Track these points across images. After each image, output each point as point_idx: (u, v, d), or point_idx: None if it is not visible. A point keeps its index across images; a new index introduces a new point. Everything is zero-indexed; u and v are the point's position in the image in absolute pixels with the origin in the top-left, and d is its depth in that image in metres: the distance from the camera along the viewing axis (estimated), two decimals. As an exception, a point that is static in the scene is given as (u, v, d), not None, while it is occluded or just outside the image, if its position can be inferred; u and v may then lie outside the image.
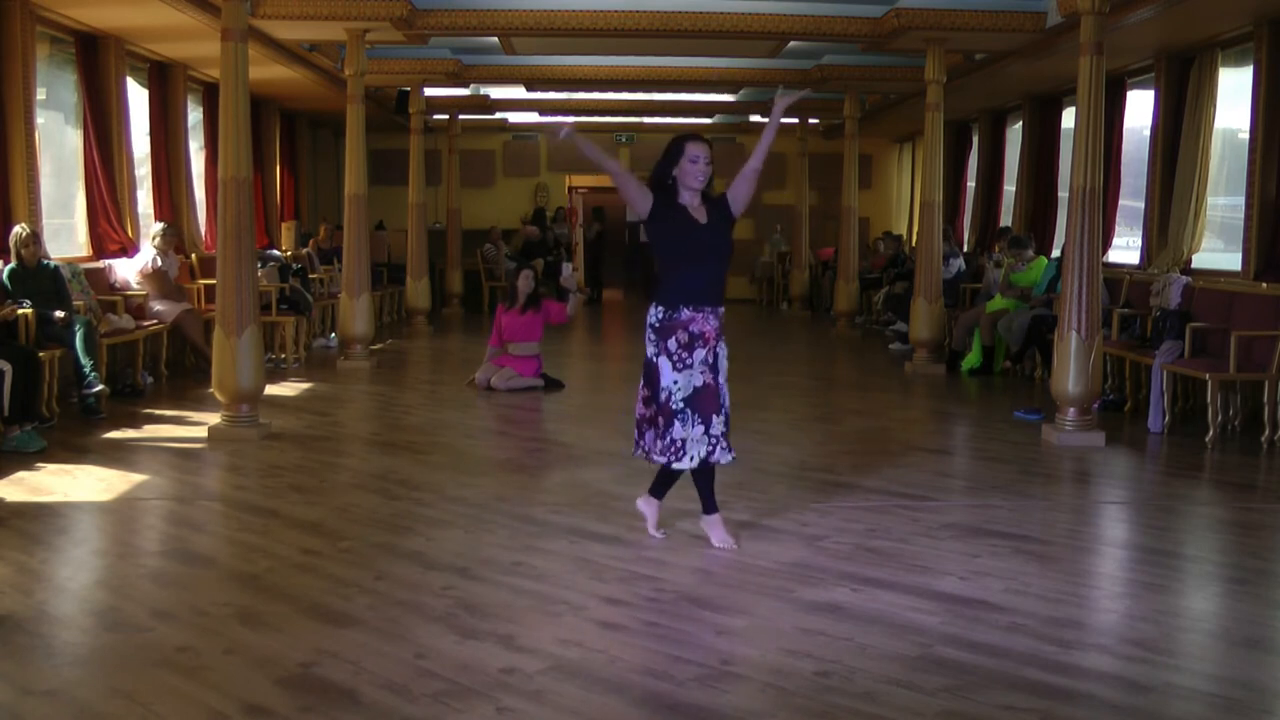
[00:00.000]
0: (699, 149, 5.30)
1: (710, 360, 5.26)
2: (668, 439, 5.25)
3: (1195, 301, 9.39)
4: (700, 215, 5.34)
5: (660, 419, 5.27)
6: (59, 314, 8.52)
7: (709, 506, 5.44)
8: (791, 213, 20.22)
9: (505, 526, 5.78)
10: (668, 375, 5.23)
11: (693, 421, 5.22)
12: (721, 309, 5.34)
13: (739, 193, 5.47)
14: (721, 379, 5.31)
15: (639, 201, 5.34)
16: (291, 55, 12.69)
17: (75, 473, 6.90)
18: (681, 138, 5.37)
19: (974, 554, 5.35)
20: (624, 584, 4.87)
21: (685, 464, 5.26)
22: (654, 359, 5.29)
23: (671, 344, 5.23)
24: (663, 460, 5.30)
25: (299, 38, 12.35)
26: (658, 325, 5.27)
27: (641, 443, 5.43)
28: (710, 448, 5.25)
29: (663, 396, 5.25)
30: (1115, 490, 7.23)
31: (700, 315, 5.24)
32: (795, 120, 19.43)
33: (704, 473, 5.35)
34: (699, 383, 5.23)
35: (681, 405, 5.23)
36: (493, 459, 7.95)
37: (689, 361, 5.22)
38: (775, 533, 5.69)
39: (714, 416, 5.24)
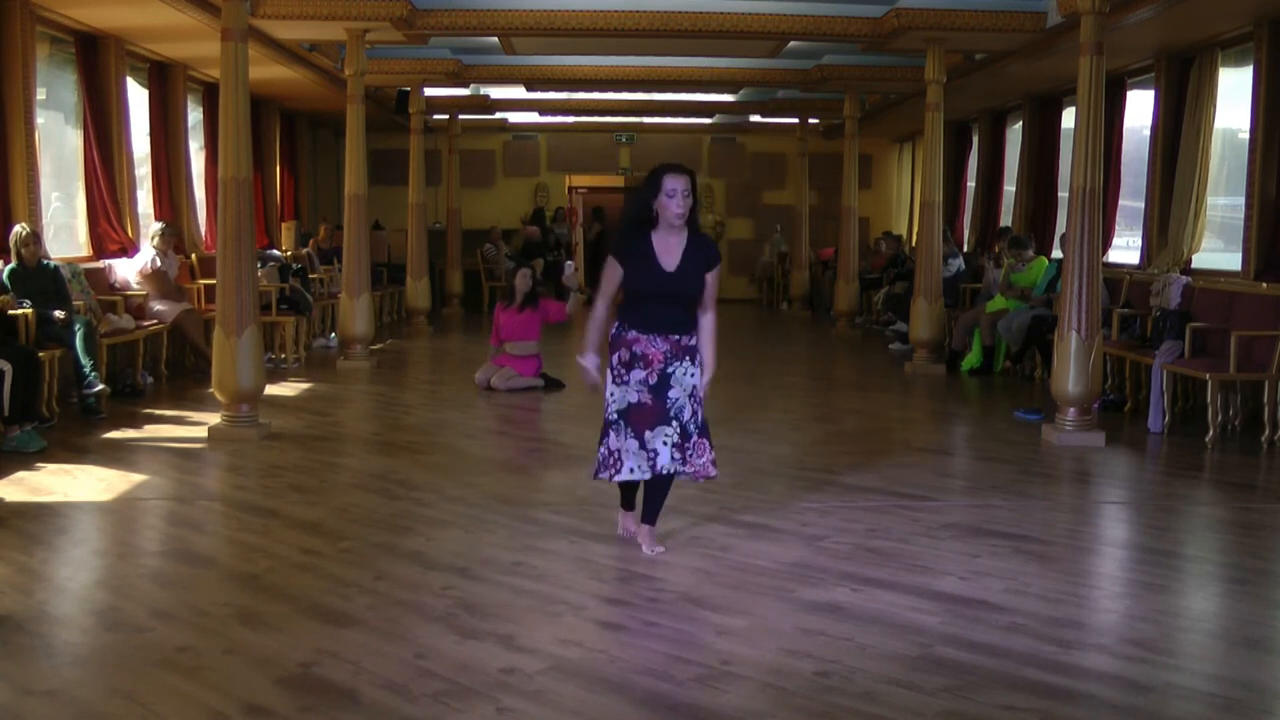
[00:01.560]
0: (676, 181, 5.15)
1: (651, 382, 5.22)
2: (603, 449, 5.28)
3: (1195, 301, 9.39)
4: (670, 258, 5.20)
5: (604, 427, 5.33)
6: (58, 313, 8.52)
7: (649, 516, 5.42)
8: (791, 213, 20.23)
9: (505, 526, 5.78)
10: (608, 386, 5.29)
11: (625, 434, 5.22)
12: (678, 335, 5.26)
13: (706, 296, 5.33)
14: (674, 394, 5.22)
15: (615, 277, 5.27)
16: (291, 55, 12.69)
17: (75, 473, 6.90)
18: (660, 169, 5.24)
19: (974, 554, 5.35)
20: (624, 584, 4.88)
21: (625, 476, 5.23)
22: (607, 370, 5.34)
23: (614, 359, 5.27)
24: (604, 475, 5.27)
25: (299, 38, 12.35)
26: (610, 340, 5.33)
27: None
28: (650, 461, 5.21)
29: (605, 406, 5.31)
30: (1115, 490, 7.23)
31: (646, 339, 5.23)
32: (795, 120, 19.46)
33: (658, 484, 5.34)
34: (634, 399, 5.22)
35: (615, 417, 5.25)
36: (493, 459, 7.95)
37: (625, 379, 5.25)
38: (775, 533, 5.69)
39: (648, 432, 5.21)
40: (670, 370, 5.24)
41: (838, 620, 4.42)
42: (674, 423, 5.22)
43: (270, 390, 9.12)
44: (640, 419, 5.21)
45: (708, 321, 5.35)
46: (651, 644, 4.19)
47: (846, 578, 4.95)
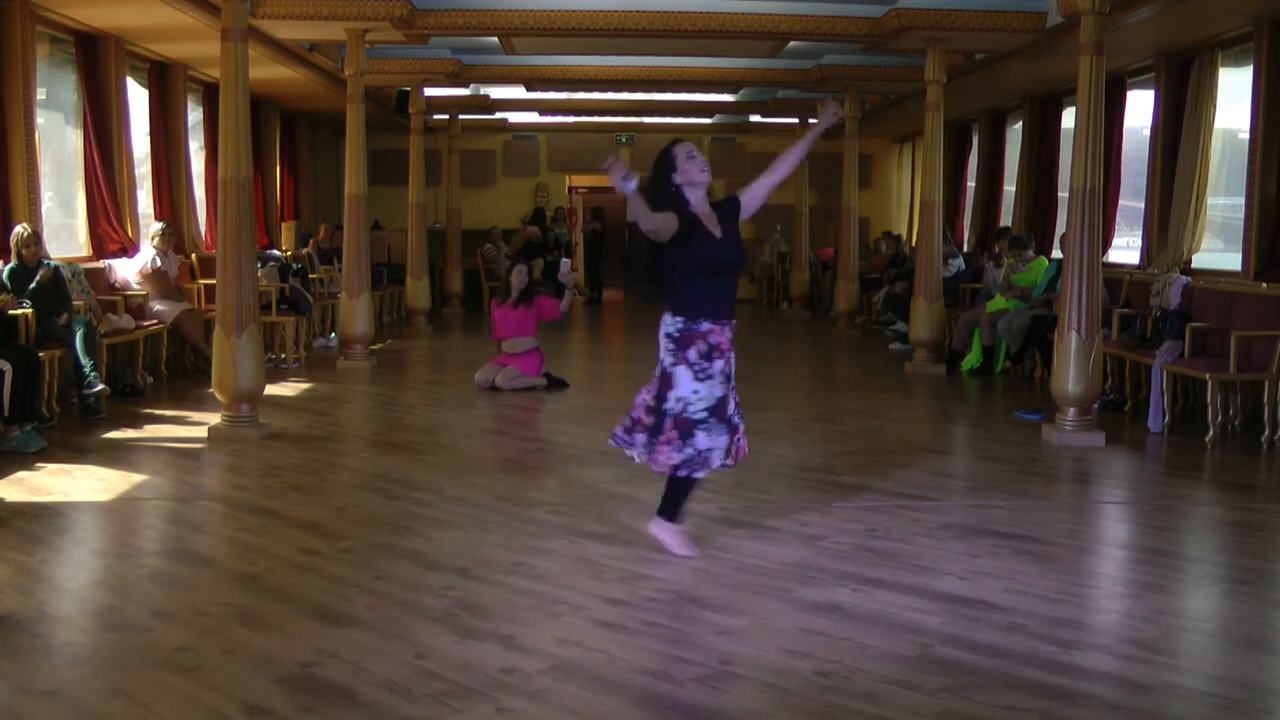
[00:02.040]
0: (688, 145, 5.21)
1: (728, 371, 5.20)
2: (690, 450, 5.12)
3: (1195, 301, 9.39)
4: (715, 227, 5.19)
5: (674, 429, 5.13)
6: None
7: (680, 515, 5.37)
8: (791, 213, 20.21)
9: (505, 526, 5.78)
10: (687, 385, 5.10)
11: (719, 431, 5.14)
12: (733, 320, 5.26)
13: (757, 195, 5.40)
14: (731, 387, 5.26)
15: (667, 231, 5.05)
16: (291, 55, 12.69)
17: (75, 473, 6.90)
18: (668, 145, 5.24)
19: (974, 554, 5.35)
20: (624, 584, 4.87)
21: (716, 465, 5.21)
22: (671, 368, 5.14)
23: (692, 354, 5.10)
24: (684, 472, 5.17)
25: (299, 38, 12.35)
26: (677, 336, 5.12)
27: (628, 439, 5.32)
28: (723, 456, 5.20)
29: (678, 407, 5.12)
30: (1115, 490, 7.23)
31: (718, 328, 5.15)
32: (795, 120, 19.46)
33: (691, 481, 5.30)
34: (720, 394, 5.15)
35: (704, 415, 5.11)
36: (493, 459, 7.95)
37: (710, 372, 5.12)
38: (775, 533, 5.69)
39: (724, 426, 5.21)
40: (731, 361, 5.25)
41: (838, 620, 4.42)
42: (730, 419, 5.24)
43: (270, 390, 9.12)
44: (722, 412, 5.18)
45: (782, 168, 5.54)
46: (651, 644, 4.20)
47: (846, 578, 4.95)
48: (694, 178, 5.15)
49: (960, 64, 13.12)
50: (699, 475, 5.22)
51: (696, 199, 5.18)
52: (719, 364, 5.15)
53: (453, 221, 19.12)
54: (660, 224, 5.00)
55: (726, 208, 5.34)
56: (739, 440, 5.28)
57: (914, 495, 6.50)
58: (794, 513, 6.05)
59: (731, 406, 5.26)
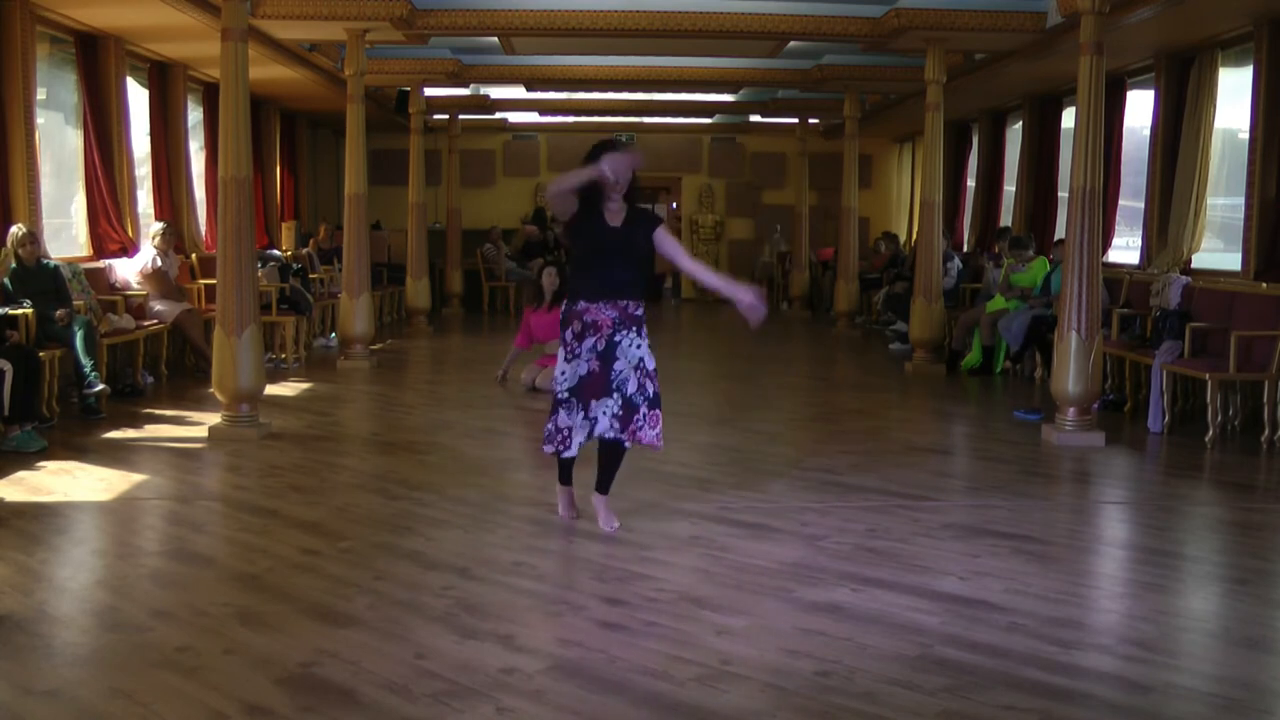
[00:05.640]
0: (612, 160, 5.39)
1: (600, 348, 5.45)
2: (549, 425, 5.55)
3: (1195, 301, 9.39)
4: (615, 218, 5.49)
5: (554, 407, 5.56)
6: (59, 312, 8.52)
7: (603, 485, 5.70)
8: (791, 213, 20.23)
9: (505, 526, 5.78)
10: (559, 365, 5.52)
11: (576, 409, 5.49)
12: (625, 302, 5.49)
13: (664, 249, 5.62)
14: (619, 365, 5.46)
15: (565, 211, 5.52)
16: (291, 55, 12.69)
17: (75, 473, 6.90)
18: (600, 146, 5.50)
19: (974, 554, 5.35)
20: (624, 584, 4.87)
21: (574, 451, 5.54)
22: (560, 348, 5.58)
23: (568, 334, 5.50)
24: (547, 448, 5.57)
25: (299, 38, 12.35)
26: (562, 318, 5.55)
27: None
28: (589, 430, 5.49)
29: (555, 383, 5.55)
30: (1115, 490, 7.23)
31: (594, 307, 5.45)
32: (795, 120, 19.46)
33: (608, 453, 5.62)
34: (584, 371, 5.47)
35: (566, 394, 5.50)
36: (493, 459, 7.94)
37: (578, 351, 5.48)
38: (775, 533, 5.69)
39: (593, 401, 5.47)
40: (618, 339, 5.45)
41: (838, 620, 4.42)
42: (615, 394, 5.47)
43: (270, 390, 9.11)
44: (590, 390, 5.46)
45: (692, 264, 5.69)
46: (651, 644, 4.19)
47: (846, 578, 4.96)
48: (607, 190, 5.43)
49: (960, 64, 13.11)
50: (564, 454, 5.55)
51: (610, 201, 5.46)
52: (589, 341, 5.46)
53: (453, 221, 19.10)
54: (567, 184, 5.41)
55: (646, 221, 5.57)
56: (638, 423, 5.46)
57: (914, 495, 6.50)
58: (794, 513, 6.06)
59: (630, 387, 5.46)
